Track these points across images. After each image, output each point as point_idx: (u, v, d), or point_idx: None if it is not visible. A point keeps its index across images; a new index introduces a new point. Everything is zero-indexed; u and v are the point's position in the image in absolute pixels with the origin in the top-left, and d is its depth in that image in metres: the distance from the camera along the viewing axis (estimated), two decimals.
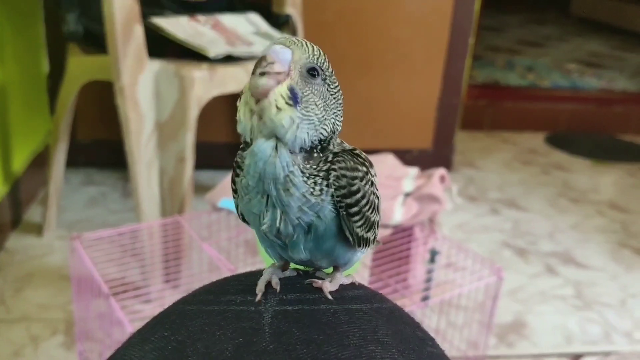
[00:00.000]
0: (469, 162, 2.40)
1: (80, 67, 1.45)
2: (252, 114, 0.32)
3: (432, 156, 2.21)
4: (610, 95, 3.13)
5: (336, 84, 0.35)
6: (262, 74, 0.32)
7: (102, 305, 0.97)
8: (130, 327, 0.85)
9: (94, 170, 2.03)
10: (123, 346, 0.35)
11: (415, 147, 2.20)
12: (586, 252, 1.78)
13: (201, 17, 1.46)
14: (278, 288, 0.35)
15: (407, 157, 2.15)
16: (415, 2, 2.03)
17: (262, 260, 1.03)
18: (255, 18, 1.56)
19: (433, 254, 1.03)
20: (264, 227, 0.34)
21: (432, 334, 1.09)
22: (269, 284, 0.36)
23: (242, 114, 0.33)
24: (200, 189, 1.75)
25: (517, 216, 1.98)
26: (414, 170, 1.16)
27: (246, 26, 1.52)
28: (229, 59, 1.35)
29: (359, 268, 1.00)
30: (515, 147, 2.61)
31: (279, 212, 0.33)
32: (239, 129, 0.34)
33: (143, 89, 1.28)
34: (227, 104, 1.89)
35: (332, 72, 0.35)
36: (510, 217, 1.96)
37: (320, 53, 0.34)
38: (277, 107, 0.32)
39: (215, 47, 1.34)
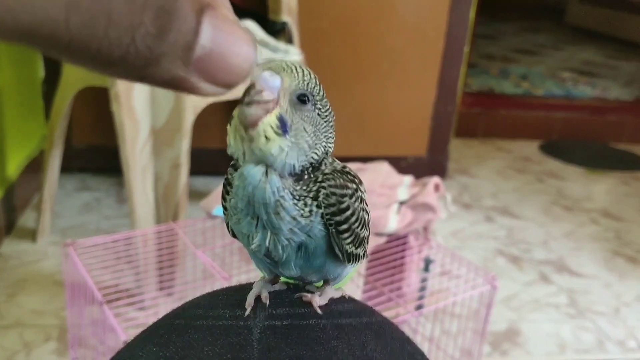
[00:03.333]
0: (464, 170, 2.41)
1: (76, 73, 1.45)
2: (242, 140, 0.32)
3: (427, 164, 2.22)
4: (604, 103, 3.14)
5: (327, 107, 0.35)
6: (251, 102, 0.31)
7: (96, 312, 0.96)
8: (124, 335, 0.84)
9: (88, 176, 2.03)
10: (115, 356, 0.35)
11: (410, 154, 2.21)
12: (580, 260, 1.78)
13: None
14: (267, 302, 0.35)
15: (401, 164, 2.16)
16: (410, 10, 2.03)
17: (257, 269, 1.03)
18: (251, 25, 1.56)
19: (427, 263, 1.04)
20: (253, 247, 0.34)
21: (426, 342, 1.08)
22: (258, 298, 0.36)
23: (232, 139, 0.33)
24: (195, 194, 1.75)
25: (511, 224, 1.98)
26: (408, 179, 1.16)
27: None
28: None
29: (354, 276, 1.00)
30: (509, 155, 2.63)
31: (269, 233, 0.33)
32: (229, 151, 0.33)
33: (138, 96, 1.28)
34: (222, 110, 1.89)
35: (323, 95, 0.34)
36: (504, 225, 1.97)
37: (310, 77, 0.34)
38: (266, 137, 0.32)
39: None
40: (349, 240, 0.35)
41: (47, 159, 1.56)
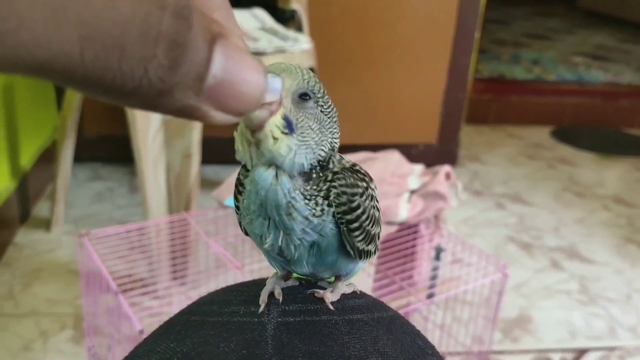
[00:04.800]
0: (474, 157, 2.40)
1: None
2: (250, 144, 0.33)
3: (437, 151, 2.22)
4: (617, 88, 3.12)
5: (329, 103, 0.35)
6: None
7: (111, 300, 0.98)
8: (139, 324, 0.86)
9: (100, 166, 2.04)
10: (130, 355, 0.36)
11: (420, 141, 2.20)
12: (591, 246, 1.78)
13: None
14: (280, 299, 0.36)
15: (412, 152, 2.16)
16: None
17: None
18: (260, 13, 1.56)
19: (438, 251, 1.04)
20: (266, 246, 0.35)
21: (437, 330, 1.09)
22: (271, 294, 0.36)
23: (239, 144, 0.33)
24: (206, 183, 1.76)
25: (522, 211, 1.98)
26: (419, 167, 1.16)
27: (252, 22, 1.52)
28: None
29: (365, 266, 1.01)
30: (520, 141, 2.62)
31: (281, 233, 0.34)
32: (238, 157, 0.34)
33: None
34: None
35: (324, 92, 0.35)
36: (515, 212, 1.97)
37: (310, 76, 0.34)
38: (274, 138, 0.32)
39: None
40: (360, 237, 0.35)
41: (60, 149, 1.57)
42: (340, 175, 0.35)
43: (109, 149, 2.03)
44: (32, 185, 1.73)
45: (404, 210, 1.04)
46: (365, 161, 1.14)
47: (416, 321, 1.13)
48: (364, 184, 0.36)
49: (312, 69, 1.62)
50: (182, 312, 0.37)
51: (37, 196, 1.78)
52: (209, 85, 0.20)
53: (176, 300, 1.08)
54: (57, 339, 1.26)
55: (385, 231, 1.03)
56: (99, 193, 1.88)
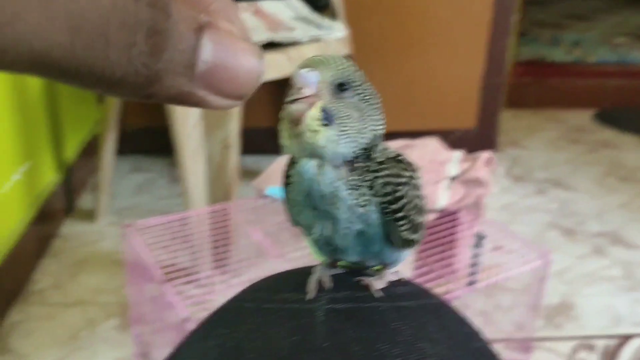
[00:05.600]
0: (514, 142, 2.37)
1: None
2: (293, 137, 0.34)
3: (476, 136, 2.19)
4: None
5: (369, 90, 0.36)
6: (294, 100, 0.32)
7: (155, 289, 1.00)
8: (184, 312, 0.87)
9: (141, 157, 2.08)
10: (186, 340, 0.37)
11: (459, 127, 2.18)
12: (635, 232, 1.74)
13: (242, 4, 1.47)
14: (328, 286, 0.37)
15: (450, 137, 2.14)
16: None
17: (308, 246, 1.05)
18: (295, 2, 1.56)
19: (479, 238, 1.03)
20: (313, 236, 0.36)
21: (478, 317, 1.09)
22: (319, 282, 0.37)
23: (284, 138, 0.34)
24: (245, 173, 1.78)
25: (564, 196, 1.95)
26: (458, 154, 1.15)
27: (286, 11, 1.53)
28: (270, 45, 1.36)
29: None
30: (561, 125, 2.57)
31: (328, 223, 0.35)
32: (285, 150, 0.35)
33: None
34: (269, 90, 1.90)
35: (362, 80, 0.35)
36: (556, 197, 1.94)
37: (347, 65, 0.35)
38: (313, 130, 0.33)
39: (257, 34, 1.35)
40: (405, 227, 0.36)
41: (102, 142, 1.61)
42: (385, 165, 0.35)
43: (149, 141, 2.07)
44: (77, 178, 1.77)
45: (443, 197, 1.03)
46: (403, 149, 1.13)
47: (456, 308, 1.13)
48: (409, 174, 0.36)
49: (347, 57, 1.61)
50: (235, 299, 0.38)
51: (81, 188, 1.82)
52: (201, 70, 0.21)
53: (218, 289, 1.09)
54: (104, 327, 1.30)
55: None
56: (140, 184, 1.92)
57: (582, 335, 1.31)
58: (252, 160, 1.96)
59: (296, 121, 0.33)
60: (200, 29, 0.21)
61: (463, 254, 1.04)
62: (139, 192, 1.87)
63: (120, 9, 0.19)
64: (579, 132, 2.50)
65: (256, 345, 0.33)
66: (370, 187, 0.35)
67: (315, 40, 1.43)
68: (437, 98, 2.14)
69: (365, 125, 0.35)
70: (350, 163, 0.35)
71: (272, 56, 1.35)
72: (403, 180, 0.35)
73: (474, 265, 1.04)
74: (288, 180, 0.36)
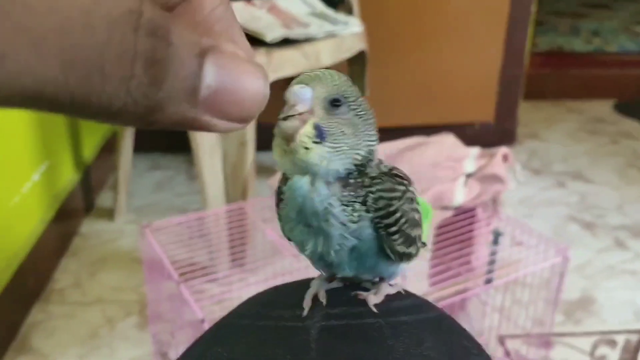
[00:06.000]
0: (533, 134, 2.35)
1: None
2: (286, 154, 0.33)
3: (495, 129, 2.18)
4: None
5: (363, 106, 0.35)
6: (286, 117, 0.32)
7: (173, 288, 1.00)
8: (200, 312, 0.88)
9: (159, 155, 2.09)
10: (182, 357, 0.37)
11: (476, 120, 2.16)
12: None
13: (257, 1, 1.47)
14: (324, 302, 0.36)
15: (468, 131, 2.12)
16: None
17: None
18: None
19: (496, 235, 1.02)
20: (307, 252, 0.35)
21: (496, 314, 1.07)
22: (316, 297, 0.37)
23: (277, 155, 0.34)
24: (262, 170, 1.78)
25: (583, 189, 1.93)
26: (475, 150, 1.14)
27: (301, 7, 1.52)
28: (285, 42, 1.35)
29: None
30: (581, 116, 2.54)
31: (321, 239, 0.35)
32: (278, 167, 0.35)
33: None
34: (284, 86, 1.89)
35: (357, 95, 0.35)
36: (576, 190, 1.92)
37: (342, 81, 0.34)
38: (305, 148, 0.32)
39: (272, 31, 1.35)
40: (399, 241, 0.36)
41: (120, 140, 1.62)
42: (377, 180, 0.35)
43: (167, 138, 2.08)
44: (95, 176, 1.79)
45: (459, 194, 1.03)
46: (418, 146, 1.13)
47: (474, 306, 1.12)
48: (403, 187, 0.36)
49: (362, 53, 1.61)
50: (231, 315, 0.38)
51: (100, 187, 1.84)
52: (205, 96, 0.21)
53: (235, 287, 1.10)
54: (123, 325, 1.31)
55: (440, 216, 1.02)
56: (159, 182, 1.93)
57: (603, 331, 1.30)
58: (269, 158, 1.96)
59: (289, 138, 0.33)
60: (202, 54, 0.21)
61: (481, 251, 1.04)
62: (157, 189, 1.89)
63: (116, 42, 0.19)
64: (599, 123, 2.47)
65: None
66: (364, 203, 0.34)
67: (330, 35, 1.43)
68: (455, 91, 2.12)
69: (359, 141, 0.35)
70: (344, 179, 0.34)
71: (288, 53, 1.34)
72: (397, 194, 0.35)
73: (491, 262, 1.03)
74: (280, 197, 0.36)
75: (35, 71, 0.18)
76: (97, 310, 1.35)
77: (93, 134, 1.81)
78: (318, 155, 0.33)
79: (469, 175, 1.08)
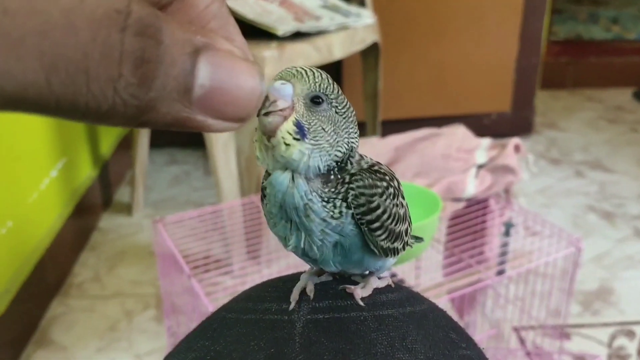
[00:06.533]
0: (551, 123, 2.32)
1: None
2: (267, 149, 0.34)
3: (512, 119, 2.16)
4: None
5: (344, 103, 0.35)
6: (267, 113, 0.33)
7: (187, 281, 1.02)
8: (211, 305, 0.89)
9: (176, 150, 2.10)
10: (171, 351, 0.37)
11: (493, 110, 2.15)
12: None
13: None
14: (312, 295, 0.37)
15: (485, 121, 2.11)
16: None
17: None
18: None
19: (508, 227, 1.02)
20: (289, 248, 0.36)
21: (510, 305, 1.07)
22: (303, 290, 0.37)
23: (258, 150, 0.34)
24: None
25: (603, 178, 1.91)
26: (486, 141, 1.14)
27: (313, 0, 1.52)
28: (297, 35, 1.35)
29: (433, 243, 1.00)
30: (600, 104, 2.50)
31: (303, 234, 0.35)
32: (259, 163, 0.35)
33: None
34: None
35: (338, 92, 0.35)
36: (595, 180, 1.90)
37: (322, 78, 0.34)
38: (286, 144, 0.33)
39: (284, 24, 1.35)
40: (382, 236, 0.36)
41: (137, 136, 1.63)
42: (357, 177, 0.35)
43: (183, 133, 2.09)
44: (113, 171, 1.81)
45: (471, 185, 1.02)
46: (429, 137, 1.12)
47: (490, 297, 1.12)
48: (384, 184, 0.36)
49: (376, 44, 1.60)
50: (221, 309, 0.39)
51: (118, 182, 1.86)
52: (198, 95, 0.21)
53: (250, 279, 1.11)
54: (141, 318, 1.32)
55: (452, 208, 1.02)
56: (176, 177, 1.95)
57: (621, 322, 1.28)
58: None
59: (270, 133, 0.33)
60: (196, 52, 0.20)
61: (494, 242, 1.03)
62: (174, 184, 1.90)
63: (101, 42, 0.19)
64: (618, 111, 2.43)
65: (233, 358, 0.33)
66: (344, 200, 0.35)
67: (342, 28, 1.42)
68: (470, 82, 2.11)
69: (340, 138, 0.35)
70: (324, 175, 0.35)
71: (299, 46, 1.34)
72: (377, 190, 0.35)
73: (503, 254, 1.03)
74: (264, 192, 0.36)
75: (15, 75, 0.18)
76: (116, 303, 1.37)
77: (110, 130, 1.83)
78: (298, 151, 0.33)
79: (480, 167, 1.07)
